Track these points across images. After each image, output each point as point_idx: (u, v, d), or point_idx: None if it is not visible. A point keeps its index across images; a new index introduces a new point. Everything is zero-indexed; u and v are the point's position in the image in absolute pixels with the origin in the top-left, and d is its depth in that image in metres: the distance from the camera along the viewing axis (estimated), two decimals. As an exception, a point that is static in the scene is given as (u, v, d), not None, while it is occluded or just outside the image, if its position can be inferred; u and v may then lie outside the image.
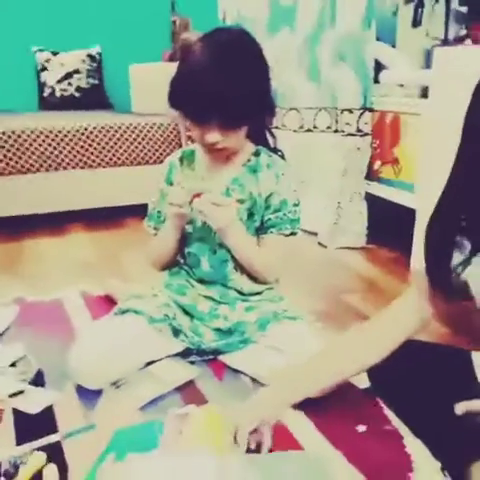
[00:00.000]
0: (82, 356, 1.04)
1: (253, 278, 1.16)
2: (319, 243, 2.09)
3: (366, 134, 1.94)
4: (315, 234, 2.12)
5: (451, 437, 0.88)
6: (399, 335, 0.91)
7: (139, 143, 2.31)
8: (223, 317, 1.14)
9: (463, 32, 2.70)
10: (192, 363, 1.16)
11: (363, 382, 1.06)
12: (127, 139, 2.30)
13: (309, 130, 2.17)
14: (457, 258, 0.77)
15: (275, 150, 1.18)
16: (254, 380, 1.09)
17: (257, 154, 1.14)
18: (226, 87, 0.95)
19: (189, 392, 1.07)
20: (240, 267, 1.15)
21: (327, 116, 2.08)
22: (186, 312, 1.16)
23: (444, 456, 0.88)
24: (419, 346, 0.99)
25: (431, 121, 1.61)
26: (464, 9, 2.74)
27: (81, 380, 1.05)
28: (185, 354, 1.15)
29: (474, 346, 0.97)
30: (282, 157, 1.18)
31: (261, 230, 1.14)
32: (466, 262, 0.76)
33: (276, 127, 2.30)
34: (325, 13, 1.99)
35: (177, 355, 1.15)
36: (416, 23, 2.69)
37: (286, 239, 1.14)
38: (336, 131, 2.04)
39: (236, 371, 1.13)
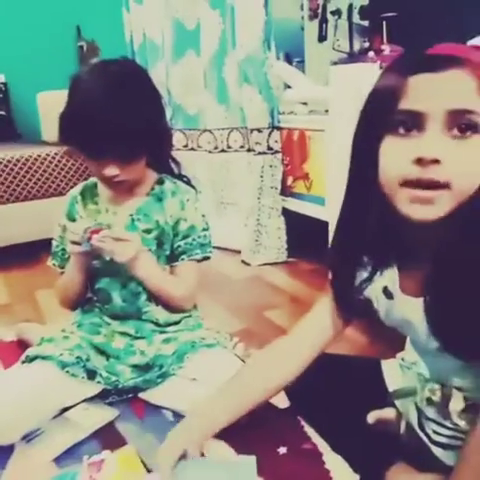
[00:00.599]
0: None
1: (169, 308, 1.15)
2: (242, 261, 2.10)
3: (277, 152, 1.99)
4: (239, 252, 2.14)
5: (367, 447, 0.91)
6: (314, 346, 0.90)
7: (50, 174, 2.22)
8: (140, 352, 1.12)
9: (366, 44, 2.86)
10: (111, 404, 1.11)
11: (283, 402, 1.07)
12: (36, 171, 2.21)
13: (223, 150, 2.19)
14: (360, 276, 0.78)
15: (180, 176, 1.18)
16: (176, 414, 1.07)
17: (161, 182, 1.14)
18: (120, 120, 0.95)
19: (108, 435, 1.03)
20: (154, 298, 1.13)
21: (239, 136, 2.12)
22: (101, 352, 1.12)
23: (362, 467, 0.90)
24: (334, 360, 1.01)
25: (333, 136, 1.68)
26: (365, 23, 2.89)
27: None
28: (103, 396, 1.11)
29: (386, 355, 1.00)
30: (188, 183, 1.18)
31: (172, 258, 1.13)
32: (368, 280, 0.78)
33: (192, 149, 2.32)
34: (226, 36, 2.03)
35: (95, 397, 1.11)
36: (322, 38, 2.82)
37: (198, 265, 1.14)
38: (249, 150, 2.08)
39: (157, 407, 1.10)
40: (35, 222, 2.21)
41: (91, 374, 1.07)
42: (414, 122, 0.62)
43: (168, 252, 1.12)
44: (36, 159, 2.23)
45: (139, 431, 1.04)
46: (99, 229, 1.01)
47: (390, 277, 0.76)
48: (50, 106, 2.62)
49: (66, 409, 1.08)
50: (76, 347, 1.09)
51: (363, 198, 0.70)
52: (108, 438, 1.02)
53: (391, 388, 0.94)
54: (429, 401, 0.81)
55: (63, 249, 1.16)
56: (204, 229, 1.14)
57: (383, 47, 2.64)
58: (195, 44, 2.16)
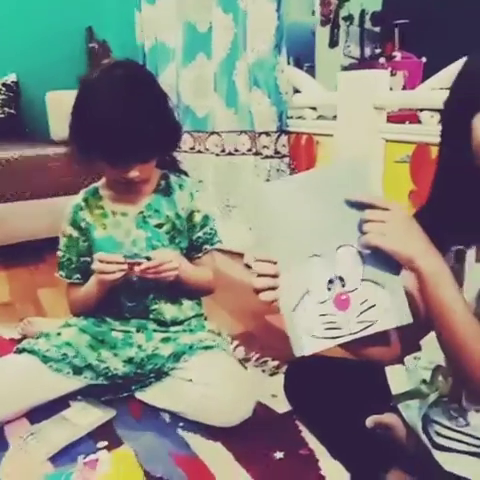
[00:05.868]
0: None
1: (179, 304, 1.15)
2: (246, 264, 2.09)
3: (284, 156, 1.98)
4: (241, 255, 2.12)
5: (364, 452, 0.90)
6: None
7: (57, 173, 2.23)
8: (137, 346, 1.12)
9: (377, 51, 2.86)
10: (108, 404, 1.11)
11: (282, 406, 1.06)
12: (44, 169, 2.21)
13: (230, 153, 2.19)
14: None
15: (180, 171, 1.20)
16: (173, 415, 1.06)
17: (165, 178, 1.15)
18: (139, 124, 0.96)
19: (104, 435, 1.02)
20: (167, 295, 1.13)
21: (247, 139, 2.11)
22: (98, 343, 1.12)
23: (359, 473, 0.89)
24: (336, 363, 1.00)
25: (341, 141, 1.67)
26: (377, 29, 2.89)
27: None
28: (98, 393, 1.11)
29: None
30: (186, 175, 1.20)
31: (194, 250, 1.16)
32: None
33: (199, 151, 2.31)
34: (238, 40, 2.03)
35: (91, 396, 1.11)
36: (333, 43, 2.82)
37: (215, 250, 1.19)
38: (256, 154, 2.07)
39: (154, 408, 1.09)
40: (41, 220, 2.22)
41: (77, 370, 1.08)
42: None
43: (183, 245, 1.13)
44: (44, 158, 2.24)
45: (136, 432, 1.03)
46: (137, 262, 1.01)
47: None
48: (59, 105, 2.63)
49: (63, 407, 1.08)
50: (64, 344, 1.10)
51: (457, 175, 0.69)
52: (104, 438, 1.01)
53: (394, 390, 0.93)
54: (435, 402, 0.79)
55: (69, 259, 1.15)
56: (213, 218, 1.18)
57: (394, 53, 2.64)
58: (206, 47, 2.16)
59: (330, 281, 0.65)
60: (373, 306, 0.65)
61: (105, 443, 0.99)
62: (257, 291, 0.64)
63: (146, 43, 2.46)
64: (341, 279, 0.65)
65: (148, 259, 1.03)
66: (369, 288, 0.65)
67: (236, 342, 1.36)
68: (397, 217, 0.64)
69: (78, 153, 1.03)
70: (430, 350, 0.86)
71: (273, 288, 0.64)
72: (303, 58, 2.63)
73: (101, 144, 0.98)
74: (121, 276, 1.02)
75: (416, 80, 2.30)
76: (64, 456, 0.96)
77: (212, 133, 2.24)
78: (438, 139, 0.74)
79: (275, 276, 0.64)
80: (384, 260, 0.64)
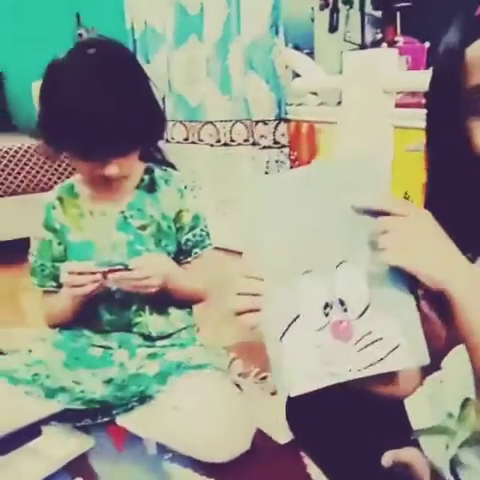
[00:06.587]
0: None
1: (166, 315, 1.03)
2: (244, 264, 1.96)
3: (283, 146, 1.85)
4: (239, 253, 2.00)
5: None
6: None
7: (41, 167, 2.08)
8: (118, 364, 1.00)
9: (379, 36, 2.73)
10: (86, 431, 0.97)
11: (284, 435, 0.93)
12: (27, 163, 2.07)
13: (226, 144, 2.05)
14: None
15: (166, 163, 1.07)
16: (160, 446, 0.93)
17: (150, 172, 1.02)
18: (115, 111, 0.83)
19: (80, 470, 0.89)
20: (152, 305, 1.01)
21: (243, 128, 1.98)
22: (72, 361, 0.99)
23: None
24: (347, 393, 0.87)
25: (345, 129, 1.53)
26: (378, 14, 2.77)
27: None
28: (75, 418, 0.97)
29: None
30: (174, 169, 1.07)
31: (182, 254, 1.03)
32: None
33: (192, 142, 2.18)
34: (231, 20, 1.90)
35: (66, 420, 0.97)
36: (332, 28, 2.70)
37: (209, 253, 1.06)
38: (253, 144, 1.95)
39: (139, 437, 0.96)
40: (28, 217, 2.08)
41: (50, 392, 0.95)
42: None
43: (171, 248, 1.01)
44: (27, 151, 2.09)
45: (116, 466, 0.90)
46: (111, 270, 0.88)
47: None
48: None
49: (35, 435, 0.95)
50: (36, 363, 0.98)
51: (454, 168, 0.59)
52: (80, 473, 0.88)
53: (415, 424, 0.80)
54: (467, 441, 0.67)
55: (42, 265, 1.03)
56: (204, 217, 1.05)
57: (397, 38, 2.52)
58: (198, 29, 2.03)
59: (327, 305, 0.51)
60: (379, 339, 0.51)
61: (80, 480, 0.86)
62: (237, 313, 0.52)
63: (136, 29, 2.35)
64: (341, 303, 0.51)
65: (126, 267, 0.89)
66: (376, 317, 0.51)
67: (233, 355, 1.22)
68: (422, 226, 0.50)
69: (47, 146, 0.91)
70: (453, 372, 0.73)
71: (257, 310, 0.51)
72: (301, 44, 2.51)
73: (71, 135, 0.84)
74: (94, 288, 0.88)
75: (420, 66, 2.19)
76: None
77: (206, 123, 2.10)
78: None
79: (259, 295, 0.51)
80: (397, 281, 0.50)
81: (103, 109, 0.82)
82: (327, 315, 0.51)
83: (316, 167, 0.55)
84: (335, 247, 0.50)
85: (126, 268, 0.88)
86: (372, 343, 0.51)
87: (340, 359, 0.51)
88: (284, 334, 0.51)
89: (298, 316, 0.51)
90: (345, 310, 0.51)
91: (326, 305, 0.51)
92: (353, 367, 0.51)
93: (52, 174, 2.12)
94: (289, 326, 0.51)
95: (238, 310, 0.51)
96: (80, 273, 0.88)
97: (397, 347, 0.51)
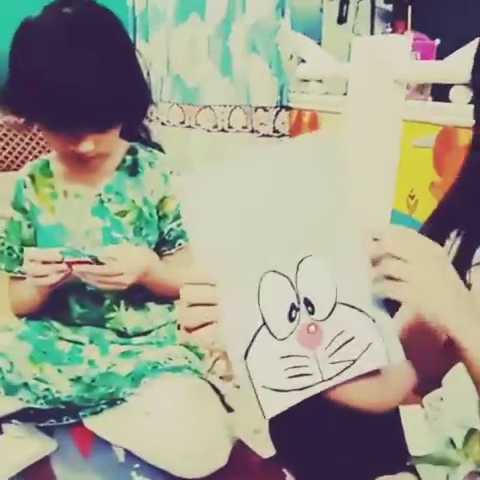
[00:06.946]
0: None
1: (143, 310, 0.95)
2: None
3: (283, 135, 1.75)
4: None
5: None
6: None
7: (18, 143, 1.97)
8: (88, 362, 0.91)
9: (388, 30, 2.66)
10: (49, 432, 0.89)
11: (267, 447, 0.85)
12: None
13: (223, 130, 1.95)
14: None
15: (152, 144, 0.98)
16: (129, 453, 0.84)
17: (133, 152, 0.93)
18: (91, 79, 0.74)
19: (39, 474, 0.81)
20: (128, 300, 0.92)
21: (242, 114, 1.88)
22: (39, 355, 0.90)
23: None
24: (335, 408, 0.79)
25: (350, 120, 1.44)
26: (389, 7, 2.71)
27: None
28: (38, 418, 0.88)
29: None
30: (161, 151, 0.98)
31: (165, 245, 0.95)
32: None
33: (189, 126, 2.08)
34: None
35: (30, 420, 0.89)
36: (341, 20, 2.63)
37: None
38: (252, 131, 1.85)
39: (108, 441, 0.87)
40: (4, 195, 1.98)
41: (11, 389, 0.86)
42: None
43: (152, 238, 0.92)
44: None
45: (78, 474, 0.82)
46: (81, 261, 0.78)
47: None
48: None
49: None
50: None
51: None
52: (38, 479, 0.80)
53: (413, 448, 0.72)
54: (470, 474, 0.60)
55: (10, 248, 0.94)
56: None
57: (407, 34, 2.45)
58: (200, 7, 1.92)
59: (293, 307, 0.45)
60: (351, 339, 0.47)
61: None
62: (189, 329, 0.43)
63: (137, 6, 2.25)
64: (307, 303, 0.45)
65: (95, 258, 0.79)
66: (345, 314, 0.46)
67: (216, 354, 1.14)
68: (424, 257, 0.45)
69: (15, 116, 0.81)
70: (454, 390, 0.67)
71: (212, 322, 0.43)
72: (309, 35, 2.45)
73: (40, 105, 0.75)
74: (59, 279, 0.79)
75: (428, 63, 2.10)
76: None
77: (204, 107, 2.00)
78: (469, 121, 0.59)
79: (213, 304, 0.43)
80: (363, 275, 0.45)
81: (77, 76, 0.73)
82: (293, 320, 0.45)
83: (271, 150, 0.47)
84: (297, 241, 0.44)
85: (96, 261, 0.79)
86: (344, 344, 0.47)
87: (311, 368, 0.46)
88: (249, 349, 0.44)
89: (263, 325, 0.44)
90: (312, 312, 0.45)
91: (292, 307, 0.45)
92: (325, 375, 0.47)
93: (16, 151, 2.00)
94: (253, 339, 0.44)
95: (190, 325, 0.43)
96: (44, 262, 0.79)
97: (370, 345, 0.47)
